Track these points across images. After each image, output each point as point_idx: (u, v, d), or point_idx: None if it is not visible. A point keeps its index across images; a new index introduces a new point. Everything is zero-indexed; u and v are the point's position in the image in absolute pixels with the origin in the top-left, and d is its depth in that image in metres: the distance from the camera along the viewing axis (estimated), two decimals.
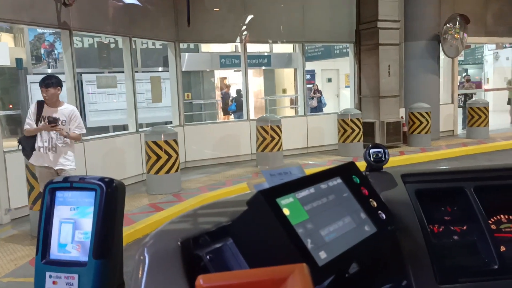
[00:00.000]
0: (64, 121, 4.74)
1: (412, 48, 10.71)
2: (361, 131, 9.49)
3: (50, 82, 4.66)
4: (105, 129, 10.01)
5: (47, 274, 1.08)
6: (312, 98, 14.54)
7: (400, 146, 10.14)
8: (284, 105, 16.68)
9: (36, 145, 4.69)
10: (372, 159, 1.27)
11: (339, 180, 1.02)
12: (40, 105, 4.71)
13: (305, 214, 0.88)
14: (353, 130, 9.40)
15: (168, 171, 6.80)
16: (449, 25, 10.69)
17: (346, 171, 1.06)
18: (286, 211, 0.85)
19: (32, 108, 4.74)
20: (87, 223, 1.08)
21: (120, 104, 10.03)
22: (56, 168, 4.73)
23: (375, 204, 1.03)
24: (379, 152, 1.27)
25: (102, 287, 0.96)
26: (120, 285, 1.02)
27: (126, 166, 7.58)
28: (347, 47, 11.43)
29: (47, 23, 6.50)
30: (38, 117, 4.67)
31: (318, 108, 14.48)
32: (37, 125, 4.65)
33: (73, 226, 1.10)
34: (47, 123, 4.56)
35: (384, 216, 1.02)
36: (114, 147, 7.45)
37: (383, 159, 1.28)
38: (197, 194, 6.71)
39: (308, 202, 0.91)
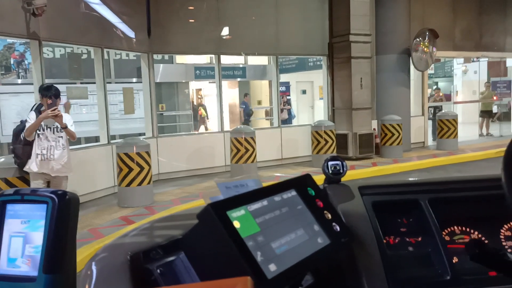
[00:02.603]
0: (62, 129, 4.88)
1: (384, 61, 10.96)
2: (334, 142, 9.60)
3: (57, 93, 4.83)
4: (76, 141, 9.80)
5: None
6: (282, 110, 14.64)
7: (372, 158, 10.29)
8: (260, 117, 16.75)
9: (33, 152, 4.75)
10: (330, 172, 1.29)
11: (293, 193, 1.03)
12: (39, 113, 4.78)
13: (257, 227, 0.88)
14: (327, 141, 9.50)
15: (140, 183, 6.71)
16: (418, 39, 10.99)
17: (301, 183, 1.07)
18: (236, 224, 0.85)
19: (32, 118, 4.77)
20: (38, 237, 1.06)
21: (92, 115, 9.89)
22: (53, 175, 4.84)
23: (329, 216, 1.04)
24: (337, 164, 1.29)
25: None
26: None
27: (97, 178, 7.45)
28: (320, 60, 11.60)
29: (16, 33, 6.38)
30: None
31: (288, 120, 14.59)
32: (35, 134, 4.74)
33: (24, 240, 1.08)
34: (47, 114, 4.62)
35: (338, 228, 1.03)
36: (85, 159, 7.31)
37: (341, 171, 1.30)
38: (169, 206, 6.63)
39: (260, 214, 0.91)
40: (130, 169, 6.64)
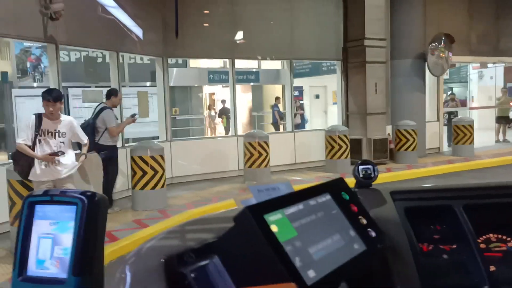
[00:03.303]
0: (64, 133, 4.72)
1: (399, 66, 10.87)
2: (348, 147, 9.53)
3: (58, 96, 4.65)
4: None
5: None
6: (295, 115, 14.62)
7: (387, 163, 10.19)
8: (273, 122, 16.72)
9: (35, 161, 4.58)
10: (361, 176, 1.26)
11: (328, 197, 1.00)
12: (39, 118, 4.64)
13: (294, 231, 0.86)
14: (340, 146, 9.43)
15: (154, 187, 6.72)
16: (434, 44, 10.89)
17: (335, 187, 1.04)
18: (274, 228, 0.82)
19: (31, 122, 4.62)
20: (67, 239, 1.04)
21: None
22: (57, 182, 4.69)
23: (364, 221, 1.01)
24: (368, 168, 1.26)
25: None
26: None
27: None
28: (334, 65, 11.55)
29: (33, 37, 6.45)
30: (38, 130, 4.60)
31: (301, 125, 14.55)
32: (35, 139, 4.56)
33: (52, 242, 1.06)
34: (47, 156, 4.55)
35: (374, 234, 1.00)
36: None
37: (372, 175, 1.26)
38: (183, 210, 6.63)
39: (297, 218, 0.89)
40: (144, 173, 6.65)
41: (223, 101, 15.18)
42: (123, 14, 7.92)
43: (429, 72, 11.13)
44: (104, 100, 6.75)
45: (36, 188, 4.72)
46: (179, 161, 8.89)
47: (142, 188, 6.68)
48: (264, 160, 8.47)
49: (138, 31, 8.30)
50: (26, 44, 11.09)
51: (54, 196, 1.06)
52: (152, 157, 6.69)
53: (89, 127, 6.31)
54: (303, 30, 10.12)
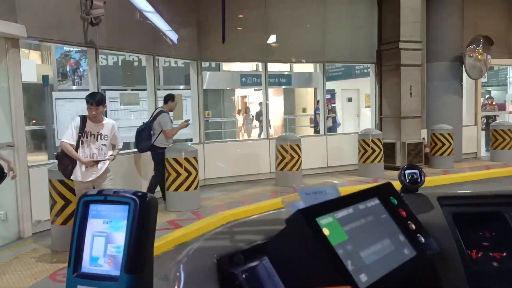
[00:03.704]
0: (106, 136, 4.86)
1: (435, 69, 10.64)
2: (382, 151, 9.39)
3: (101, 100, 4.79)
4: (125, 146, 10.11)
5: (78, 287, 1.06)
6: (327, 118, 14.49)
7: (422, 168, 9.95)
8: (304, 125, 16.67)
9: (78, 162, 4.73)
10: (407, 181, 1.24)
11: (376, 201, 1.00)
12: (83, 120, 4.79)
13: (345, 235, 0.86)
14: (374, 150, 9.30)
15: (187, 188, 6.81)
16: (472, 46, 10.61)
17: (383, 191, 1.03)
18: (326, 231, 0.83)
19: (76, 122, 4.79)
20: (120, 237, 1.07)
21: (141, 121, 10.15)
22: (96, 181, 4.82)
23: (413, 226, 1.00)
24: (414, 173, 1.25)
25: None
26: None
27: (145, 183, 7.61)
28: (368, 67, 11.41)
29: (74, 42, 6.67)
30: (81, 132, 4.76)
31: (332, 128, 14.39)
32: (78, 140, 4.72)
33: (106, 240, 1.09)
34: (91, 162, 4.73)
35: (423, 240, 0.99)
36: (134, 163, 7.51)
37: (419, 180, 1.25)
38: (215, 212, 6.68)
39: (347, 222, 0.89)
40: (178, 174, 6.75)
41: (261, 104, 15.23)
42: (159, 19, 8.08)
43: (466, 75, 10.84)
44: (162, 105, 7.30)
45: (77, 188, 4.87)
46: (211, 163, 8.97)
47: (176, 189, 6.78)
48: (296, 163, 8.45)
49: (173, 35, 8.45)
50: (66, 48, 11.47)
51: (108, 196, 1.10)
52: (186, 159, 6.78)
53: (146, 129, 6.93)
54: (336, 33, 10.05)
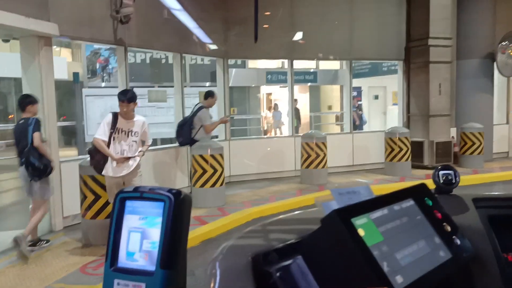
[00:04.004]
0: (136, 133, 4.95)
1: (465, 66, 10.39)
2: (409, 150, 9.24)
3: (132, 97, 4.88)
4: (153, 142, 10.25)
5: (115, 281, 1.09)
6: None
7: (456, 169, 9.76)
8: (330, 122, 16.55)
9: (109, 158, 4.82)
10: (441, 181, 1.23)
11: (411, 202, 0.99)
12: (115, 116, 4.89)
13: (380, 236, 0.86)
14: (401, 149, 9.16)
15: (213, 185, 6.86)
16: (504, 43, 10.31)
17: (418, 192, 1.02)
18: (361, 232, 0.83)
19: (108, 119, 4.89)
20: (155, 233, 1.10)
21: (168, 118, 10.28)
22: (126, 177, 4.89)
23: (449, 228, 0.99)
24: (449, 174, 1.23)
25: None
26: None
27: (172, 178, 7.72)
28: (395, 65, 11.24)
29: (104, 40, 6.80)
30: (113, 128, 4.85)
31: (359, 126, 14.22)
32: (110, 136, 4.81)
33: (141, 235, 1.12)
34: (122, 158, 4.83)
35: (459, 242, 0.97)
36: (161, 160, 7.61)
37: (453, 181, 1.23)
38: (241, 208, 6.72)
39: (382, 223, 0.89)
40: (204, 171, 6.81)
41: (296, 101, 15.20)
42: (186, 17, 8.16)
43: (498, 73, 10.54)
44: (202, 100, 7.56)
45: (107, 183, 4.98)
46: (237, 160, 9.01)
47: (202, 185, 6.84)
48: (321, 161, 8.40)
49: (200, 32, 8.52)
50: (96, 46, 11.71)
51: (144, 193, 1.12)
52: (212, 156, 6.83)
53: (187, 124, 7.21)
54: (363, 30, 9.93)
